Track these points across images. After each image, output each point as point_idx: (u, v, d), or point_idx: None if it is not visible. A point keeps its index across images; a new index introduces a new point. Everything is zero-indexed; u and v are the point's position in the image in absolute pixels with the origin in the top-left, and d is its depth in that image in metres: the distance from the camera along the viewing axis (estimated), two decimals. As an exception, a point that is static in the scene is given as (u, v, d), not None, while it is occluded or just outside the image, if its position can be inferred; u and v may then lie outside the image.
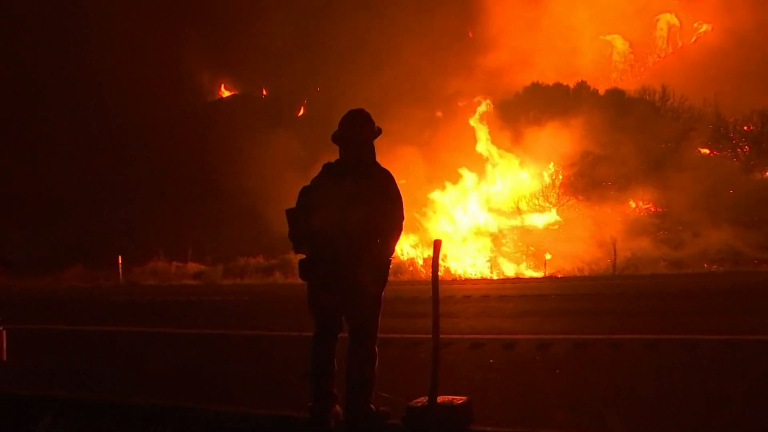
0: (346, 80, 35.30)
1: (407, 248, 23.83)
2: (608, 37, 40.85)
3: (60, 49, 41.25)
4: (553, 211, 26.15)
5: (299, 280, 4.21)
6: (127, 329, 10.11)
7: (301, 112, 39.21)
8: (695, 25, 40.46)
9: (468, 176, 27.38)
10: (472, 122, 27.82)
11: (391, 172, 4.22)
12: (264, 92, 45.44)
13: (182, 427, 4.39)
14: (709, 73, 33.89)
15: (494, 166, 27.61)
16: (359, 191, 4.04)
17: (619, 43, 42.25)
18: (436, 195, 26.60)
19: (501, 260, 23.01)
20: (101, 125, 39.03)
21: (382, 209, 4.05)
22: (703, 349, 6.55)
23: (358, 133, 4.21)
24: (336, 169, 4.21)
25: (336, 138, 4.26)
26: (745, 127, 29.36)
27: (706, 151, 29.62)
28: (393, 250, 4.19)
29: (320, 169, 4.28)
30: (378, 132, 4.30)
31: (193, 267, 27.42)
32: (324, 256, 4.04)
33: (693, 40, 41.05)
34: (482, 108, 27.99)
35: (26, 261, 27.45)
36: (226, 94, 47.28)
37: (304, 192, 4.18)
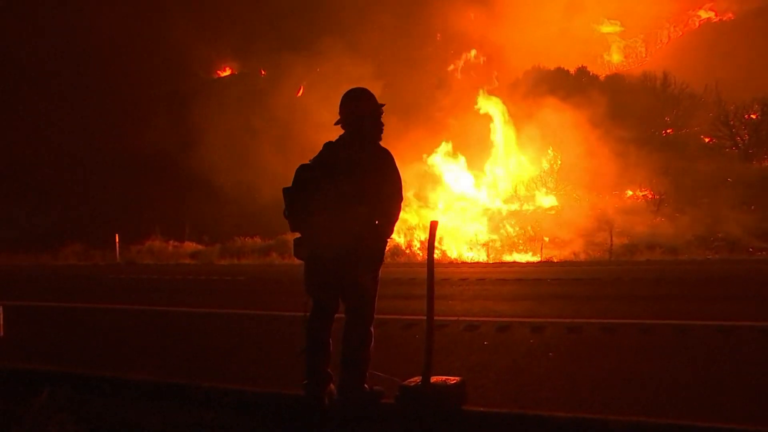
0: (347, 60, 35.06)
1: (405, 231, 23.85)
2: (607, 27, 40.54)
3: (62, 23, 40.84)
4: (551, 196, 26.17)
5: (296, 261, 4.21)
6: (123, 307, 10.15)
7: (300, 92, 38.96)
8: (701, 12, 40.09)
9: (467, 160, 27.36)
10: (477, 107, 27.70)
11: (391, 151, 4.19)
12: (262, 72, 45.14)
13: (177, 404, 4.42)
14: (711, 61, 33.74)
15: (493, 150, 27.57)
16: (351, 167, 4.02)
17: (621, 29, 41.93)
18: (434, 176, 26.58)
19: (498, 244, 23.07)
20: (102, 103, 38.77)
21: (376, 189, 4.04)
22: (696, 334, 6.60)
23: (356, 108, 4.18)
24: (334, 147, 4.20)
25: (338, 121, 4.25)
26: (746, 116, 29.25)
27: (706, 138, 29.57)
28: (391, 231, 4.17)
29: (322, 147, 4.26)
30: (377, 109, 4.24)
31: (190, 246, 27.47)
32: (321, 235, 4.03)
33: (696, 25, 40.76)
34: (484, 91, 27.86)
35: (25, 238, 27.45)
36: (225, 73, 46.98)
37: (302, 170, 4.16)
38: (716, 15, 40.12)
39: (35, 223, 32.86)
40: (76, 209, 35.20)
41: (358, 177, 4.00)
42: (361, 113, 4.18)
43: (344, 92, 4.25)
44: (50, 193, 37.05)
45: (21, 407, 4.08)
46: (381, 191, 4.04)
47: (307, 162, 4.20)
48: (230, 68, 46.95)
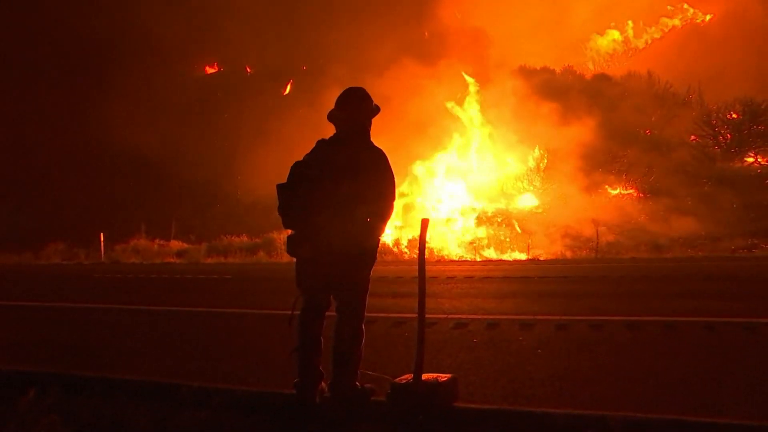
0: (332, 57, 35.01)
1: (392, 230, 23.86)
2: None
3: (49, 19, 40.36)
4: (537, 194, 26.32)
5: (283, 260, 4.21)
6: (110, 306, 10.05)
7: (288, 90, 38.82)
8: (690, 10, 40.41)
9: (453, 158, 27.41)
10: (456, 106, 27.74)
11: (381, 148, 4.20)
12: (248, 70, 44.91)
13: (167, 404, 4.39)
14: (694, 61, 34.10)
15: (479, 149, 27.65)
16: (351, 166, 4.02)
17: (606, 29, 42.21)
18: (420, 175, 26.62)
19: (485, 242, 23.16)
20: (87, 101, 38.34)
21: (374, 188, 4.04)
22: (683, 330, 6.68)
23: (355, 111, 4.17)
24: (330, 145, 4.19)
25: (332, 116, 4.22)
26: (728, 116, 29.64)
27: (691, 137, 29.89)
28: (383, 230, 4.18)
29: (314, 145, 4.24)
30: (375, 110, 4.26)
31: (176, 245, 27.27)
32: (314, 233, 4.02)
33: (680, 25, 41.15)
34: (469, 90, 27.93)
35: (6, 236, 27.09)
36: (211, 70, 46.67)
37: (296, 167, 4.14)
38: (701, 14, 40.56)
39: (17, 221, 32.38)
40: (60, 207, 34.76)
41: (360, 176, 4.01)
42: (367, 113, 4.20)
43: (343, 91, 4.23)
44: (33, 191, 36.57)
45: (6, 409, 4.02)
46: (378, 191, 4.05)
47: (301, 160, 4.17)
48: (215, 66, 46.63)
